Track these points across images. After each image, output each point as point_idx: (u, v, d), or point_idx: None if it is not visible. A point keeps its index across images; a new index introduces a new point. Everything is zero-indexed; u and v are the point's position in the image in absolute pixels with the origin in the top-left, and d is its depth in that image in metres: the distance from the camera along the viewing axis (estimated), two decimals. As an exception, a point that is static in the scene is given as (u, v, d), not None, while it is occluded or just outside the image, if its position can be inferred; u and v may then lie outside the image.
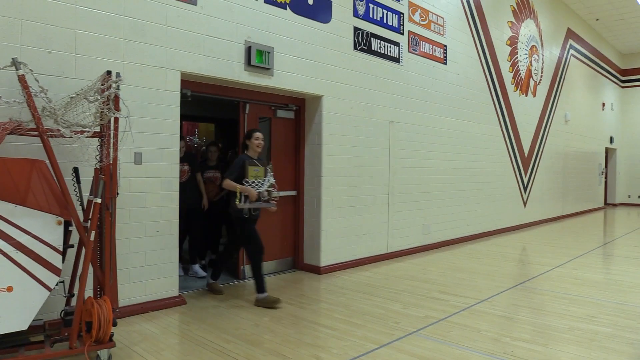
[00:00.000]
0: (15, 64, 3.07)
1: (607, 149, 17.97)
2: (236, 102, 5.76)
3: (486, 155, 9.83)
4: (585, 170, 15.66)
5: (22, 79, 3.08)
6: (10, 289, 3.14)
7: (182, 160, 5.45)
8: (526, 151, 11.50)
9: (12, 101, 3.25)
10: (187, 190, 5.75)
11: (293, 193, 6.41)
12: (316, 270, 6.28)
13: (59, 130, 3.21)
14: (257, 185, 4.82)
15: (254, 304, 4.88)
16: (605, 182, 18.38)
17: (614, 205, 19.05)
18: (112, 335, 3.30)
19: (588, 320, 4.52)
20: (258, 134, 5.02)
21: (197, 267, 6.05)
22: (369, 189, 6.96)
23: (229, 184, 4.80)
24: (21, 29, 3.75)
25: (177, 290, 4.82)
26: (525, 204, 11.52)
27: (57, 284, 3.35)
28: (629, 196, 19.28)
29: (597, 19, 14.81)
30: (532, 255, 7.97)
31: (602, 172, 17.50)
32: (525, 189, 11.48)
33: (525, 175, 11.50)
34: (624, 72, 19.12)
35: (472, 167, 9.35)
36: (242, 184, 4.76)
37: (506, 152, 10.62)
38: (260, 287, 4.86)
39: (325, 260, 6.31)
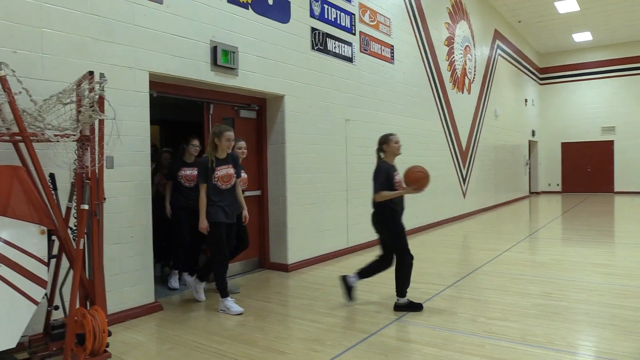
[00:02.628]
0: (-5, 64, 2.89)
1: (529, 142, 19.29)
2: (200, 103, 5.67)
3: (430, 150, 10.28)
4: (513, 162, 16.74)
5: (4, 81, 2.91)
6: (-5, 305, 2.95)
7: (192, 165, 5.47)
8: (464, 145, 12.14)
9: (-14, 104, 3.05)
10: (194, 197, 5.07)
11: (257, 193, 6.40)
12: (284, 268, 6.32)
13: (43, 134, 3.05)
14: None
15: None
16: (529, 172, 19.72)
17: (537, 193, 20.50)
18: (107, 345, 3.19)
19: (546, 296, 4.91)
20: None
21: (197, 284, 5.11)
22: (330, 186, 7.10)
23: None
24: (-17, 28, 3.51)
25: (152, 296, 4.70)
26: (464, 195, 12.16)
27: (42, 297, 3.19)
28: (549, 184, 20.81)
29: (520, 21, 15.88)
30: (481, 242, 8.46)
31: (527, 163, 18.78)
32: (464, 181, 12.12)
33: (464, 168, 12.14)
34: (542, 70, 20.62)
35: (419, 162, 9.70)
36: None
37: (447, 147, 11.16)
38: None
39: (292, 257, 6.37)
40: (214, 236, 4.57)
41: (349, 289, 4.77)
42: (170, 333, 4.07)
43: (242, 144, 5.32)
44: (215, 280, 4.68)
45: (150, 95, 4.81)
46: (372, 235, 5.26)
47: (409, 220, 9.33)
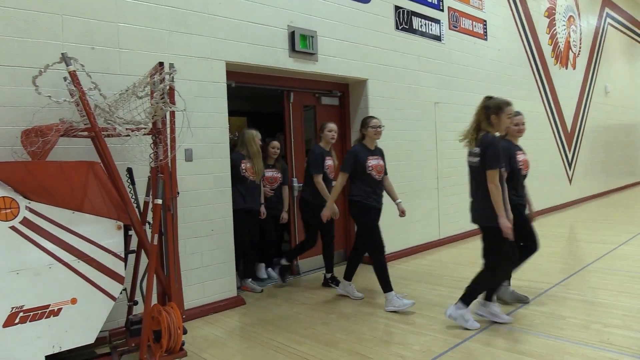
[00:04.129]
0: (65, 59, 2.86)
1: (647, 120, 17.22)
2: (280, 91, 5.51)
3: (530, 133, 9.30)
4: (627, 143, 15.01)
5: (73, 76, 2.87)
6: (74, 301, 2.95)
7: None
8: (569, 126, 11.01)
9: (62, 100, 3.04)
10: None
11: (341, 183, 6.13)
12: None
13: (114, 128, 3.00)
14: None
15: None
16: (647, 155, 17.63)
17: (657, 177, 18.29)
18: (183, 343, 3.10)
19: (679, 301, 4.17)
20: None
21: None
22: (418, 174, 6.67)
23: None
24: (62, 25, 3.54)
25: (235, 290, 4.62)
26: (570, 181, 11.05)
27: (120, 292, 3.17)
28: (672, 167, 18.48)
29: (634, -16, 14.13)
30: (591, 234, 7.56)
31: (644, 144, 16.79)
32: (570, 165, 11.01)
33: (570, 152, 11.02)
34: (661, 39, 18.27)
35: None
36: None
37: (549, 129, 10.17)
38: None
39: (379, 251, 6.03)
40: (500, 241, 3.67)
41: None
42: (250, 330, 3.94)
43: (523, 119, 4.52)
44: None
45: (229, 86, 4.70)
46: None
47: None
